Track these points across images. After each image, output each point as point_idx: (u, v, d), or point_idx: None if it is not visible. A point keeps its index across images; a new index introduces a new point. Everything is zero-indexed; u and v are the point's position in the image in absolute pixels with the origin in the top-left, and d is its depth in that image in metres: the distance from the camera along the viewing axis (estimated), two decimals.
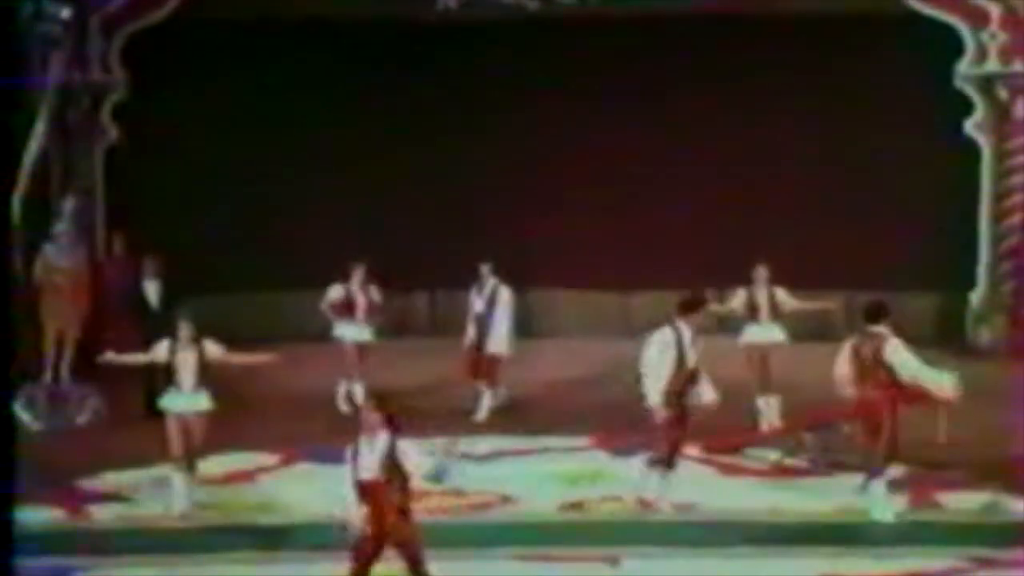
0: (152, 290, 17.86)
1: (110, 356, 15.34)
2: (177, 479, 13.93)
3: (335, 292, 18.03)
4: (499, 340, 17.65)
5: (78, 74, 20.18)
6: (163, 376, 17.47)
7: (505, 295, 17.77)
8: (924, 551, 12.49)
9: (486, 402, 17.57)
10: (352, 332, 18.05)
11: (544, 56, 21.13)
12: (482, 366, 17.70)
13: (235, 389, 18.22)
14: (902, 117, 20.74)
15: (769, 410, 16.65)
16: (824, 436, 15.01)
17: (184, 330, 14.74)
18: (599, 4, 20.83)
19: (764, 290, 17.55)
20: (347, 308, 18.09)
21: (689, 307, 14.19)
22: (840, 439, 14.93)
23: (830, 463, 14.79)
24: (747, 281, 17.70)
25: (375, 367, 18.65)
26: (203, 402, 14.29)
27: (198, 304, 18.84)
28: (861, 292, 21.51)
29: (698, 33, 20.82)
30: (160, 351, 14.80)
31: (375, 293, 18.18)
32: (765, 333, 17.09)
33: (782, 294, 17.60)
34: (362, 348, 18.07)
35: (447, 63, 21.23)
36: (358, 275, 18.02)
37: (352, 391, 17.72)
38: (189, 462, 14.02)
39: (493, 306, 17.72)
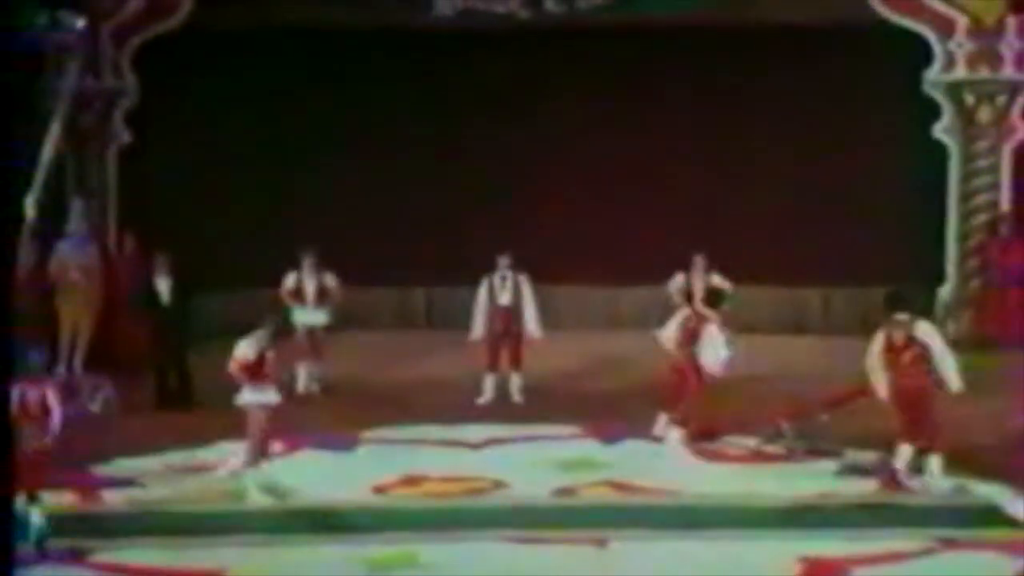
0: (163, 286, 17.78)
1: None
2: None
3: (288, 280, 18.23)
4: (534, 326, 17.84)
5: (91, 80, 20.11)
6: (174, 371, 17.61)
7: (528, 284, 17.89)
8: (895, 533, 12.45)
9: (517, 384, 17.74)
10: (302, 316, 18.18)
11: (534, 62, 21.10)
12: (512, 352, 17.79)
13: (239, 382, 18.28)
14: (875, 121, 20.73)
15: None
16: (801, 424, 14.99)
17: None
18: (586, 14, 20.77)
19: (700, 277, 17.83)
20: (298, 294, 18.19)
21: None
22: (815, 427, 14.96)
23: (807, 450, 14.76)
24: (731, 277, 17.81)
25: (378, 360, 18.71)
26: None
27: (207, 299, 18.93)
28: (836, 287, 21.70)
29: (680, 42, 20.75)
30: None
31: (329, 279, 18.27)
32: None
33: (718, 280, 17.81)
34: (312, 332, 18.20)
35: (442, 69, 21.19)
36: (308, 263, 18.15)
37: (296, 374, 17.89)
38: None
39: (519, 296, 17.80)
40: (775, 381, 17.57)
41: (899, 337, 13.99)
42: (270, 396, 13.93)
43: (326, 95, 20.99)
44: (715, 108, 21.14)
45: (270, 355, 14.02)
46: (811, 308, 21.97)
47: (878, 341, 14.10)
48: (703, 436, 15.28)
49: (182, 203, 20.07)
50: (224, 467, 14.23)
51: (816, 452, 14.72)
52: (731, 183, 21.17)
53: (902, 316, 14.16)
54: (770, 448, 14.99)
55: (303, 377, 18.09)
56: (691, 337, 15.54)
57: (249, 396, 13.93)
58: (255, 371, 13.90)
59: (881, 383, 13.96)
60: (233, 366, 14.02)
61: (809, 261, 21.03)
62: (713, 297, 16.00)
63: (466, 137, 21.20)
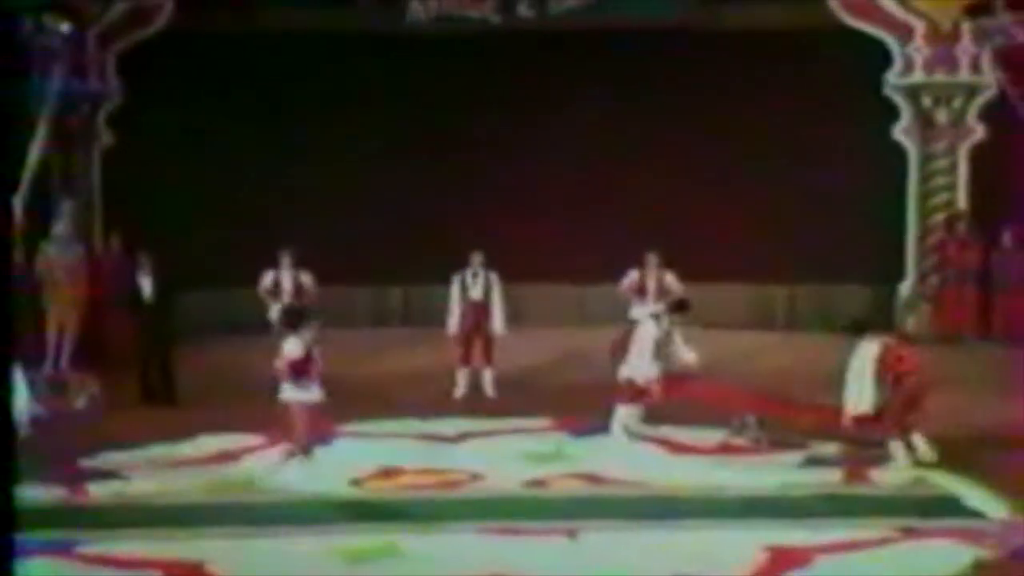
0: (146, 284, 17.70)
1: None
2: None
3: (266, 278, 18.21)
4: (500, 322, 17.82)
5: (77, 83, 20.05)
6: (157, 367, 17.53)
7: (498, 282, 17.85)
8: (857, 522, 12.42)
9: (489, 378, 17.79)
10: (277, 312, 18.03)
11: (507, 67, 21.10)
12: (484, 348, 17.81)
13: (224, 376, 18.22)
14: (837, 123, 20.81)
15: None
16: (764, 418, 15.00)
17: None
18: (557, 19, 20.77)
19: (653, 274, 17.93)
20: (275, 292, 18.19)
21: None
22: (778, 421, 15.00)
23: (771, 442, 14.75)
24: (698, 276, 17.84)
25: (356, 356, 18.65)
26: None
27: (190, 297, 18.85)
28: (801, 285, 21.75)
29: (649, 47, 20.78)
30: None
31: (305, 277, 18.23)
32: (650, 311, 17.19)
33: (670, 279, 17.86)
34: None
35: (417, 73, 21.20)
36: (285, 261, 18.13)
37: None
38: None
39: (490, 292, 17.77)
40: (742, 376, 17.56)
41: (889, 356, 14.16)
42: (314, 394, 13.79)
43: (305, 98, 21.01)
44: (683, 111, 21.21)
45: (315, 353, 13.85)
46: (777, 305, 22.03)
47: (870, 352, 14.12)
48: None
49: (165, 204, 20.05)
50: (261, 458, 14.10)
51: (780, 444, 14.71)
52: (698, 184, 21.22)
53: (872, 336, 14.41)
54: (736, 440, 14.97)
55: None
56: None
57: (292, 393, 13.77)
58: (301, 369, 13.75)
59: (865, 394, 14.02)
60: (280, 363, 13.83)
61: (775, 260, 21.09)
62: (677, 307, 15.73)
63: (441, 140, 21.23)
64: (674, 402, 15.58)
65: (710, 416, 15.34)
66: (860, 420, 14.14)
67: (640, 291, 17.94)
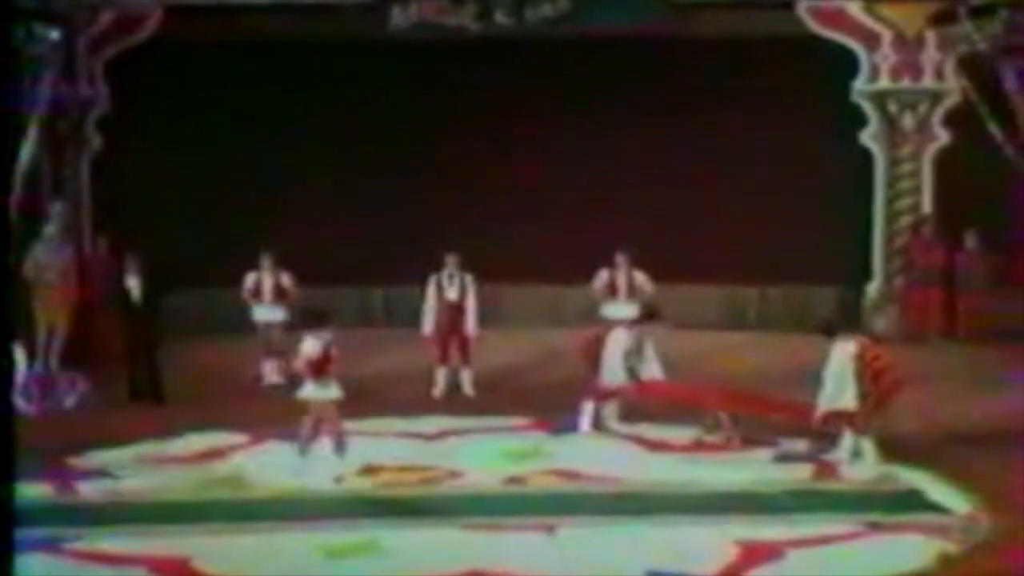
0: (133, 284, 17.65)
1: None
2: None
3: (248, 280, 18.25)
4: (473, 323, 17.72)
5: (66, 89, 20.00)
6: (145, 366, 17.48)
7: (472, 283, 17.78)
8: (826, 517, 12.45)
9: (467, 378, 17.72)
10: (260, 313, 18.26)
11: (485, 72, 21.08)
12: (460, 347, 17.73)
13: (210, 375, 18.17)
14: (806, 128, 20.82)
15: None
16: (737, 416, 15.01)
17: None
18: (535, 27, 20.76)
19: (624, 273, 17.95)
20: (256, 293, 18.24)
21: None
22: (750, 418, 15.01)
23: (743, 439, 14.76)
24: (672, 277, 17.87)
25: (339, 356, 18.57)
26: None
27: (176, 298, 18.80)
28: (772, 286, 21.79)
29: (624, 53, 20.80)
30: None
31: (285, 279, 18.25)
32: (621, 310, 17.23)
33: (640, 277, 17.90)
34: (270, 327, 18.22)
35: (398, 78, 21.16)
36: (266, 263, 18.16)
37: (261, 369, 18.10)
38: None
39: (465, 294, 17.70)
40: (715, 374, 17.57)
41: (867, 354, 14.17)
42: (333, 392, 13.74)
43: (288, 103, 20.98)
44: (657, 116, 21.18)
45: (334, 352, 13.79)
46: (749, 305, 22.05)
47: (849, 349, 14.10)
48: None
49: (152, 206, 20.03)
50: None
51: (752, 441, 14.72)
52: (672, 187, 21.22)
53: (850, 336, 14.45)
54: (709, 438, 14.96)
55: (269, 372, 18.07)
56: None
57: (313, 391, 13.75)
58: (320, 367, 13.70)
59: (847, 391, 14.01)
60: (299, 362, 13.82)
61: (746, 261, 21.10)
62: (648, 316, 15.74)
63: (421, 144, 21.17)
64: (648, 401, 15.60)
65: (684, 414, 15.35)
66: (830, 417, 14.12)
67: (611, 290, 17.96)
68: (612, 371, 15.22)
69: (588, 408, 15.35)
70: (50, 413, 16.40)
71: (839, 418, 14.11)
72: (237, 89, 20.76)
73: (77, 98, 20.60)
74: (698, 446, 14.86)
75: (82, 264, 19.09)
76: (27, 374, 16.26)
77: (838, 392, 13.99)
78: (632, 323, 15.72)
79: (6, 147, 15.21)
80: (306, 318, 14.32)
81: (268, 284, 18.23)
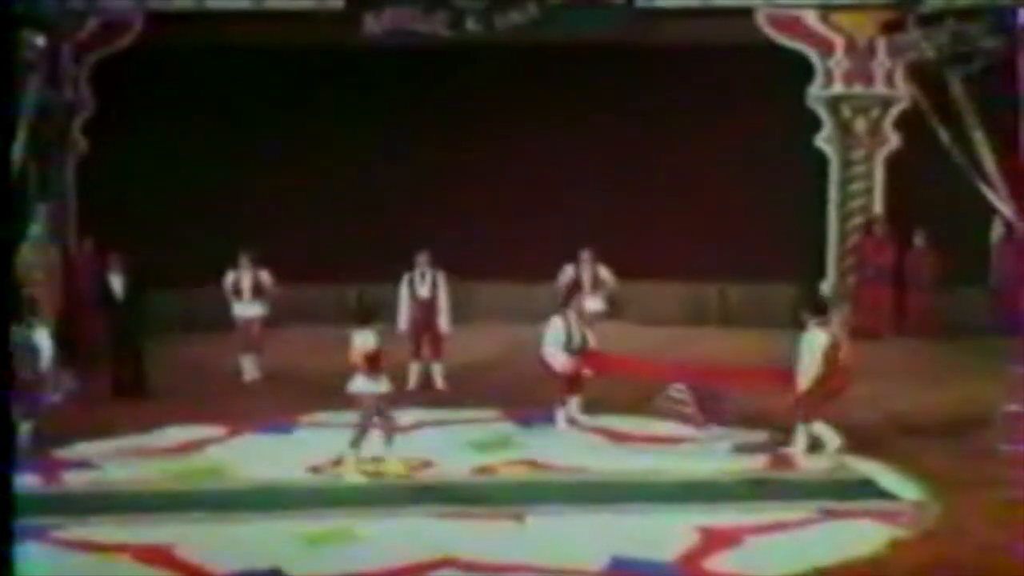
0: (117, 283, 17.57)
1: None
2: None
3: (228, 277, 18.23)
4: (445, 320, 17.65)
5: (52, 94, 19.91)
6: (130, 362, 17.41)
7: (444, 281, 17.72)
8: (781, 505, 12.49)
9: (439, 372, 17.64)
10: (238, 310, 18.24)
11: (456, 77, 21.06)
12: (432, 342, 17.67)
13: (190, 371, 18.11)
14: (764, 132, 20.81)
15: None
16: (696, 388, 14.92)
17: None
18: (504, 34, 20.74)
19: (588, 269, 17.99)
20: (236, 290, 18.23)
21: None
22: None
23: (704, 412, 14.67)
24: (636, 274, 17.88)
25: (316, 351, 18.59)
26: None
27: (159, 296, 18.73)
28: (731, 283, 21.83)
29: (589, 59, 20.80)
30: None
31: (264, 276, 18.25)
32: (588, 303, 17.18)
33: (604, 272, 17.93)
34: (250, 323, 18.21)
35: (371, 83, 21.12)
36: (244, 261, 18.16)
37: (241, 364, 18.10)
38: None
39: (437, 291, 17.65)
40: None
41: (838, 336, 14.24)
42: (383, 385, 13.63)
43: (266, 107, 20.88)
44: (622, 119, 21.19)
45: (384, 348, 13.70)
46: (709, 301, 22.08)
47: (821, 339, 14.11)
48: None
49: (136, 207, 19.91)
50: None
51: (712, 414, 14.70)
52: (637, 188, 21.26)
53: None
54: (665, 408, 14.86)
55: (247, 366, 18.04)
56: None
57: (363, 385, 13.62)
58: (372, 362, 13.60)
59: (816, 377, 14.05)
60: (354, 356, 13.70)
61: (707, 259, 21.11)
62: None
63: (396, 147, 21.14)
64: (614, 392, 15.57)
65: (647, 407, 15.34)
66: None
67: (577, 285, 17.94)
68: (553, 355, 15.35)
69: (560, 409, 15.34)
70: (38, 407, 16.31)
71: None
72: (216, 93, 20.66)
73: (63, 102, 20.50)
74: (661, 438, 14.83)
75: (68, 264, 18.99)
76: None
77: (803, 372, 14.04)
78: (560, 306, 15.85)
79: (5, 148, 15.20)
80: (356, 314, 14.18)
81: (247, 281, 18.19)
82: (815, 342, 14.11)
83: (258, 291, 18.21)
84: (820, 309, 14.64)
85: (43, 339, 14.99)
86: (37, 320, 15.28)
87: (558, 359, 15.30)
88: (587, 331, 15.62)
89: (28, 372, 14.27)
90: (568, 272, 18.09)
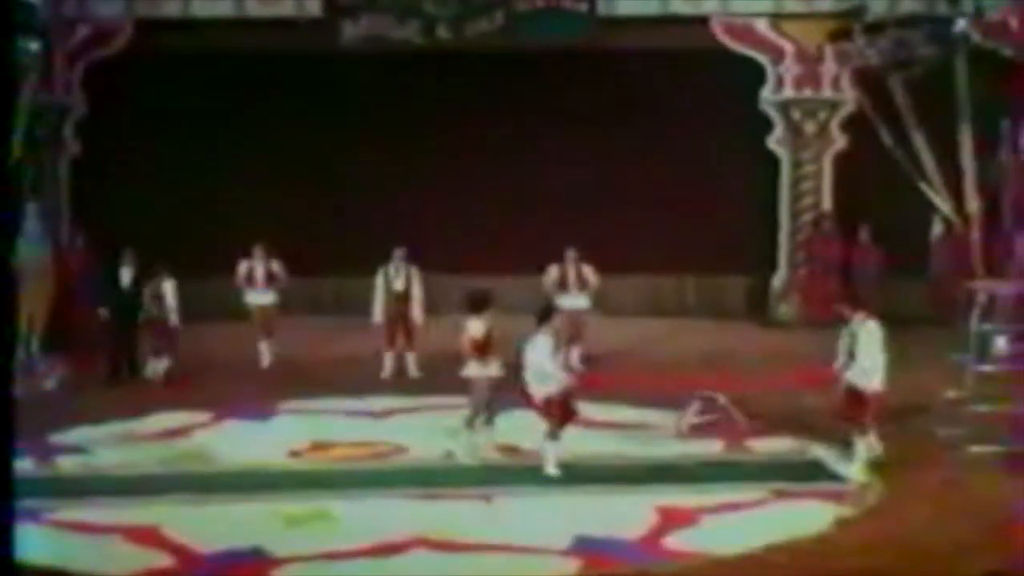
0: (125, 275, 17.51)
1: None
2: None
3: (242, 267, 18.28)
4: (418, 312, 17.57)
5: (45, 96, 19.77)
6: (123, 352, 17.33)
7: (418, 275, 17.64)
8: (737, 486, 12.49)
9: (412, 361, 17.55)
10: (253, 297, 18.26)
11: (430, 81, 21.01)
12: (406, 333, 17.58)
13: (183, 359, 18.01)
14: (719, 134, 20.86)
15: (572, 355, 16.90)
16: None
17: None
18: (474, 41, 20.70)
19: (573, 267, 17.82)
20: (250, 279, 18.22)
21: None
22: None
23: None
24: (599, 268, 17.86)
25: (294, 342, 18.55)
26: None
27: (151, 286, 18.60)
28: (688, 275, 21.85)
29: (556, 64, 20.75)
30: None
31: (276, 266, 18.29)
32: (573, 301, 17.15)
33: (587, 271, 17.83)
34: (264, 309, 18.23)
35: (350, 86, 21.03)
36: (258, 252, 18.23)
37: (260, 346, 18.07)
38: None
39: (410, 284, 17.56)
40: (638, 356, 17.61)
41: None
42: (493, 370, 13.45)
43: (250, 109, 20.78)
44: (585, 121, 21.13)
45: (494, 333, 13.50)
46: (666, 294, 22.08)
47: (878, 330, 13.02)
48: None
49: (125, 205, 19.80)
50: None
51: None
52: (599, 186, 21.23)
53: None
54: (700, 420, 14.43)
55: (264, 352, 17.95)
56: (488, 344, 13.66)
57: (475, 370, 13.51)
58: (483, 347, 13.46)
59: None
60: (464, 342, 13.58)
61: (665, 253, 21.13)
62: (546, 313, 13.45)
63: (372, 147, 21.05)
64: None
65: (616, 396, 15.32)
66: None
67: (562, 283, 17.84)
68: (542, 376, 12.87)
69: (549, 448, 12.95)
70: (32, 394, 16.20)
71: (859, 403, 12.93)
72: (201, 96, 20.54)
73: (55, 104, 20.37)
74: (625, 424, 14.78)
75: (61, 259, 18.87)
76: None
77: (875, 368, 12.89)
78: (539, 324, 13.09)
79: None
80: (469, 301, 13.95)
81: (260, 271, 18.24)
82: (875, 333, 12.91)
83: (270, 279, 18.20)
84: (861, 302, 13.52)
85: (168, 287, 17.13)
86: (166, 274, 17.34)
87: (549, 384, 12.93)
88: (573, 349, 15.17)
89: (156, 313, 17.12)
90: (553, 271, 17.93)
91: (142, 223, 19.58)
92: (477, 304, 13.82)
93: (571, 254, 17.91)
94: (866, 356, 12.79)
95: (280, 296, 18.41)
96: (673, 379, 16.43)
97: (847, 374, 12.93)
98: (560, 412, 12.86)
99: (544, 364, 12.82)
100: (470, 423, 13.47)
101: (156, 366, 17.32)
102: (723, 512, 11.83)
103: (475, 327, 13.60)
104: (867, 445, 12.90)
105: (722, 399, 14.06)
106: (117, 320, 17.42)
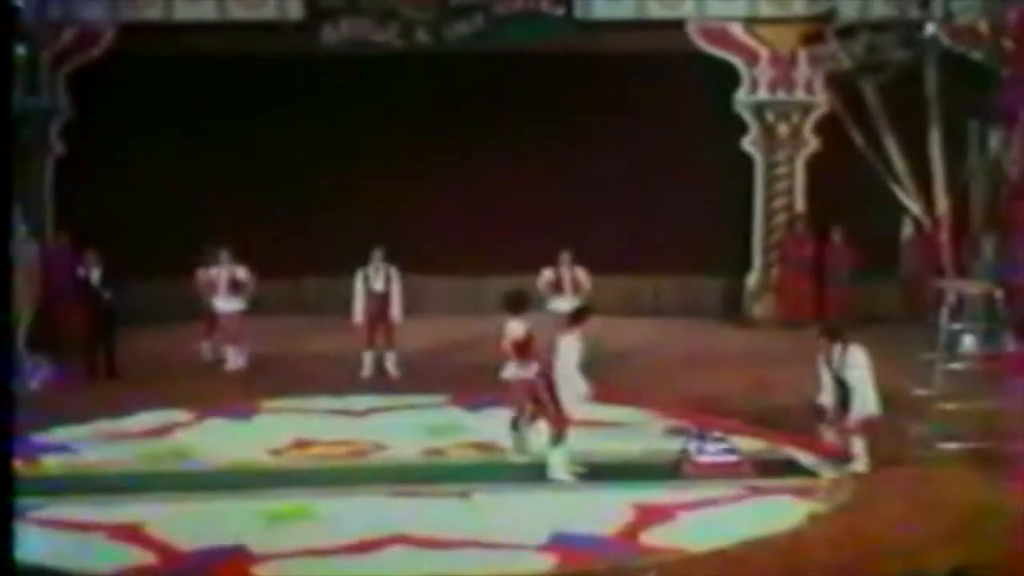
0: (95, 275, 17.43)
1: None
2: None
3: (206, 274, 18.08)
4: (398, 311, 17.48)
5: (31, 100, 19.71)
6: (103, 351, 17.28)
7: (397, 275, 17.59)
8: (712, 483, 12.49)
9: (392, 360, 17.45)
10: (218, 304, 18.06)
11: (409, 83, 20.98)
12: (385, 333, 17.50)
13: (156, 359, 17.99)
14: (694, 135, 20.86)
15: None
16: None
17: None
18: (453, 44, 20.69)
19: (567, 270, 17.80)
20: (213, 286, 18.06)
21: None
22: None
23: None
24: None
25: (276, 342, 18.52)
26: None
27: (131, 287, 18.57)
28: (665, 275, 21.87)
29: (535, 67, 20.75)
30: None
31: (242, 272, 18.12)
32: (567, 303, 17.10)
33: (581, 274, 17.83)
34: (229, 317, 18.01)
35: (330, 88, 21.01)
36: (223, 257, 18.04)
37: (215, 348, 18.04)
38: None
39: (390, 284, 17.51)
40: (616, 355, 17.62)
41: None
42: (531, 371, 13.24)
43: (231, 111, 20.73)
44: (564, 122, 21.15)
45: (534, 335, 13.32)
46: (644, 294, 22.11)
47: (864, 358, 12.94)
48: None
49: (110, 206, 19.74)
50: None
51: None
52: (577, 188, 21.26)
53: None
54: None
55: (231, 357, 17.86)
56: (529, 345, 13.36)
57: (514, 371, 13.38)
58: (523, 349, 13.33)
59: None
60: (504, 344, 13.45)
61: (641, 254, 21.14)
62: (580, 314, 13.24)
63: (351, 149, 21.04)
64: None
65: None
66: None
67: (556, 286, 17.81)
68: (575, 383, 12.63)
69: (556, 454, 12.71)
70: (16, 393, 16.15)
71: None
72: (185, 99, 20.52)
73: (40, 108, 20.30)
74: (596, 422, 14.74)
75: (45, 260, 18.79)
76: None
77: (873, 397, 12.76)
78: (570, 325, 12.92)
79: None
80: (508, 302, 13.83)
81: (223, 277, 18.02)
82: (863, 360, 12.84)
83: (235, 286, 18.08)
84: (837, 331, 13.22)
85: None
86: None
87: (583, 387, 12.67)
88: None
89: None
90: (547, 274, 17.90)
91: (126, 224, 19.56)
92: (516, 305, 13.70)
93: (565, 257, 17.89)
94: (864, 389, 12.73)
95: (246, 303, 18.23)
96: (649, 378, 16.43)
97: (852, 413, 12.76)
98: (560, 420, 12.68)
99: (572, 376, 12.47)
100: (515, 425, 13.34)
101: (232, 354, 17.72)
102: (698, 508, 11.85)
103: (515, 328, 13.49)
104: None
105: (719, 434, 13.31)
106: (91, 320, 17.35)
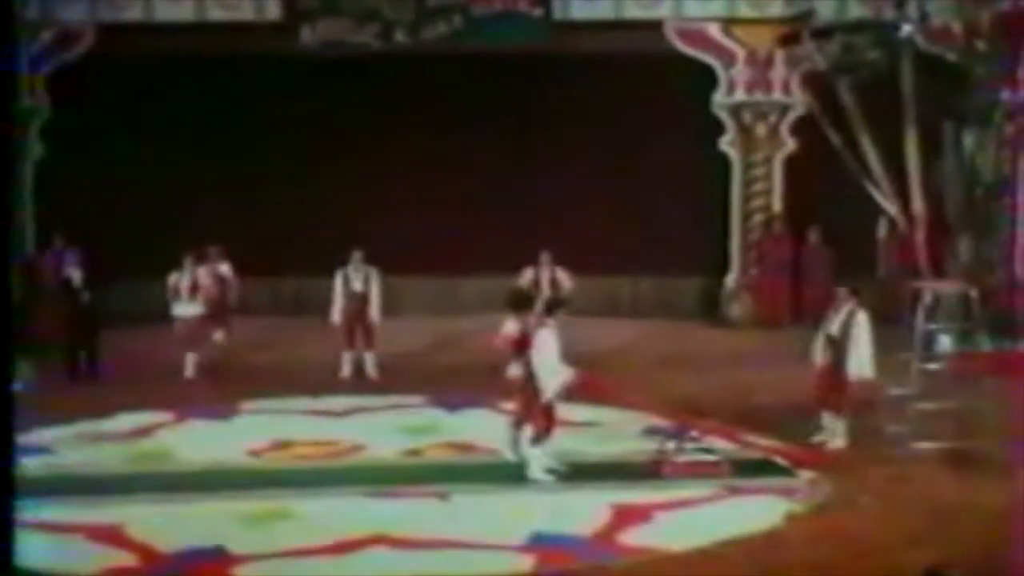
0: (76, 276, 17.35)
1: None
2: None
3: (172, 278, 17.68)
4: (376, 312, 17.41)
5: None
6: (85, 351, 17.20)
7: (376, 276, 17.53)
8: (688, 482, 12.50)
9: (371, 361, 17.39)
10: (179, 309, 17.71)
11: (387, 84, 20.94)
12: (364, 333, 17.43)
13: (138, 360, 17.92)
14: (672, 136, 20.85)
15: None
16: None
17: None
18: (431, 45, 20.67)
19: (547, 271, 17.74)
20: (177, 291, 17.73)
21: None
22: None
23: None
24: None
25: (255, 342, 18.47)
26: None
27: (113, 287, 18.53)
28: (643, 276, 21.88)
29: (512, 68, 20.71)
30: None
31: (204, 278, 17.95)
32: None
33: (562, 274, 17.79)
34: (185, 321, 17.71)
35: (309, 89, 20.96)
36: (187, 263, 17.75)
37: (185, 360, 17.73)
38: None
39: (369, 285, 17.45)
40: (593, 356, 17.57)
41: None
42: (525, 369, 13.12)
43: (210, 112, 20.66)
44: (542, 122, 21.16)
45: (530, 334, 13.09)
46: (622, 294, 22.12)
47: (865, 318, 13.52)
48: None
49: (90, 207, 19.68)
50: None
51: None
52: (555, 188, 21.24)
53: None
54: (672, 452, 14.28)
55: (189, 363, 17.72)
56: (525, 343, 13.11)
57: (514, 370, 13.30)
58: (519, 347, 13.21)
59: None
60: (499, 341, 13.42)
61: (619, 254, 21.14)
62: (552, 305, 13.40)
63: (331, 148, 21.02)
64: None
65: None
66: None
67: (536, 286, 17.77)
68: (553, 371, 12.62)
69: (535, 453, 12.75)
70: None
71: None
72: (164, 99, 20.46)
73: (20, 108, 20.20)
74: (574, 422, 14.72)
75: (28, 262, 18.73)
76: None
77: (870, 358, 13.36)
78: (544, 317, 12.96)
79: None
80: (510, 300, 13.82)
81: (185, 282, 17.73)
82: (867, 324, 13.43)
83: (221, 284, 18.05)
84: (858, 290, 13.82)
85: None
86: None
87: (563, 374, 12.68)
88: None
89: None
90: (528, 275, 17.84)
91: (107, 225, 19.49)
92: (519, 303, 13.71)
93: (545, 257, 17.83)
94: (865, 345, 13.25)
95: (233, 304, 18.17)
96: (627, 378, 16.43)
97: (850, 364, 13.31)
98: (546, 419, 12.67)
99: (553, 367, 12.50)
100: (517, 423, 13.25)
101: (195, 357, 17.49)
102: (676, 508, 11.86)
103: (509, 326, 13.46)
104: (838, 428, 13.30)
105: (696, 434, 13.31)
106: (71, 321, 17.29)
